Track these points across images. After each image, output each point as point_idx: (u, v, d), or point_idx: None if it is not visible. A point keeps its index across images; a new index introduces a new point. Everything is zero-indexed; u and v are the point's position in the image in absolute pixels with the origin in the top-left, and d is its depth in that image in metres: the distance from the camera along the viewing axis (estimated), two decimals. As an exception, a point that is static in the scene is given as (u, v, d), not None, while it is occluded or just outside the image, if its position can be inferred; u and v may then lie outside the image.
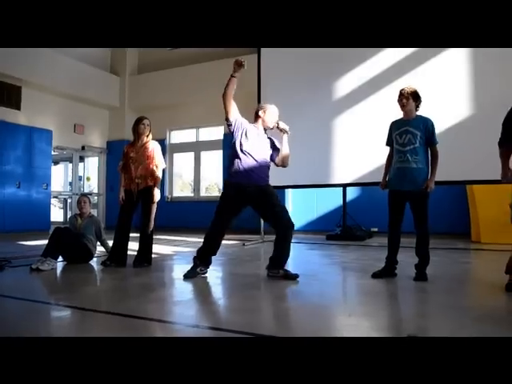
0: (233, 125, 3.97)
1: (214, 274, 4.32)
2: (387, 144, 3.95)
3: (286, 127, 3.99)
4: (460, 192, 6.95)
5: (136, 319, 2.58)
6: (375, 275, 3.81)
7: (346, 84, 6.66)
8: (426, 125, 3.69)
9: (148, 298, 3.24)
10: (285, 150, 4.01)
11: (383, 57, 6.36)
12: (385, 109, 6.37)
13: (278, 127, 4.01)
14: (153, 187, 4.54)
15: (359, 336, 2.20)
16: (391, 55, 6.29)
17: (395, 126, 3.84)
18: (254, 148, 3.92)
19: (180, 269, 4.69)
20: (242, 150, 3.92)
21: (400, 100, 3.73)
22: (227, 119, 4.02)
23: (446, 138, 5.40)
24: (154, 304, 3.05)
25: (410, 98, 3.71)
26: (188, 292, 3.56)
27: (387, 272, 3.82)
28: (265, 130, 4.07)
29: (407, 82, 6.06)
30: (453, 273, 4.08)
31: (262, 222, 7.29)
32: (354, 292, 3.76)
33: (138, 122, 4.64)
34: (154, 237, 4.71)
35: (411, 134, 3.68)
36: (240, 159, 3.91)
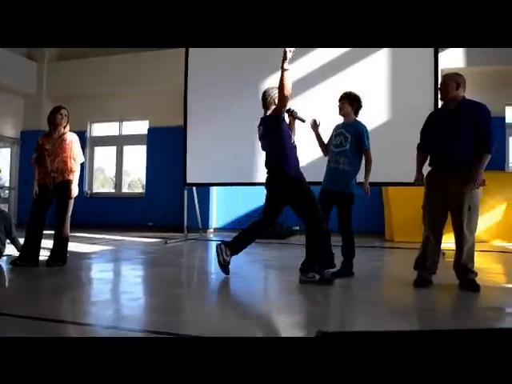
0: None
1: (134, 273, 4.20)
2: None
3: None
4: (376, 193, 7.31)
5: (49, 322, 2.44)
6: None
7: (271, 83, 6.74)
8: (357, 129, 3.80)
9: (62, 299, 3.09)
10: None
11: (308, 58, 6.52)
12: (307, 109, 6.55)
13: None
14: (70, 182, 4.31)
15: (275, 336, 2.24)
16: (317, 57, 6.46)
17: (335, 128, 3.99)
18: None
19: (97, 268, 4.52)
20: (293, 145, 3.75)
21: (339, 103, 3.91)
22: (282, 112, 3.68)
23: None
24: (68, 305, 2.91)
25: (345, 102, 3.86)
26: (105, 292, 3.43)
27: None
28: None
29: (331, 84, 6.33)
30: (368, 270, 4.27)
31: (186, 218, 7.23)
32: (274, 289, 3.83)
33: (55, 111, 4.37)
34: (70, 234, 4.49)
35: (343, 137, 3.81)
36: (293, 153, 3.70)
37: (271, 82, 6.72)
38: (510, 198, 6.44)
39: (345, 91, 3.93)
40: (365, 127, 3.87)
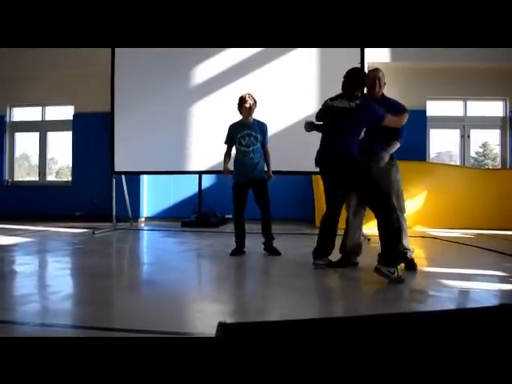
0: None
1: (58, 266, 4.00)
2: (226, 143, 4.48)
3: None
4: (306, 182, 7.47)
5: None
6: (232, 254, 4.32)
7: (202, 73, 6.65)
8: (262, 129, 4.37)
9: (-25, 295, 2.88)
10: None
11: (238, 50, 6.49)
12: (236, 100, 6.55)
13: None
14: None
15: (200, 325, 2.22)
16: (247, 49, 6.44)
17: (237, 130, 4.36)
18: None
19: (18, 261, 4.27)
20: None
21: (249, 106, 4.26)
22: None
23: (292, 132, 5.83)
24: (-18, 301, 2.72)
25: (254, 105, 4.32)
26: (26, 286, 3.24)
27: (239, 251, 4.37)
28: None
29: (260, 75, 6.36)
30: (295, 256, 4.37)
31: (115, 208, 7.00)
32: (205, 278, 3.82)
33: None
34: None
35: (253, 137, 4.30)
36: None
37: (203, 67, 6.70)
38: (429, 187, 6.84)
39: (247, 95, 4.32)
40: (267, 126, 4.46)
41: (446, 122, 8.40)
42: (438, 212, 6.77)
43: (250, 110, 4.29)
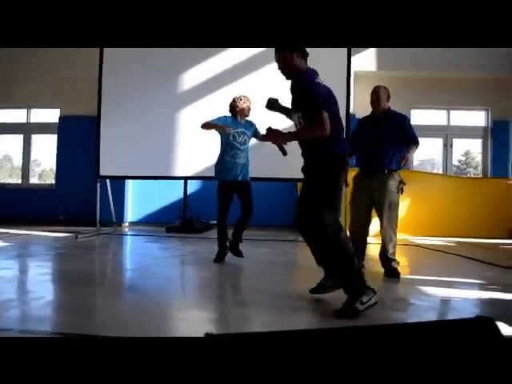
0: None
1: (39, 271, 3.95)
2: (213, 122, 4.30)
3: None
4: (292, 189, 7.50)
5: None
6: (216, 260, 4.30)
7: (190, 79, 6.67)
8: (252, 126, 4.37)
9: (-47, 301, 2.82)
10: None
11: (227, 55, 6.52)
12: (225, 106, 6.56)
13: None
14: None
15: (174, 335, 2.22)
16: (236, 55, 6.47)
17: (234, 124, 4.28)
18: None
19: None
20: None
21: (249, 106, 4.30)
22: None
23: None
24: (-40, 307, 2.67)
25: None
26: (5, 292, 3.19)
27: (222, 257, 4.33)
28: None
29: (249, 81, 6.38)
30: (280, 261, 4.39)
31: (99, 212, 6.94)
32: (188, 285, 3.81)
33: None
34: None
35: (247, 137, 4.33)
36: None
37: (191, 73, 6.70)
38: (412, 195, 6.90)
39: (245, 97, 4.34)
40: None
41: (429, 131, 8.52)
42: (420, 220, 6.85)
43: (249, 110, 4.32)
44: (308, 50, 2.75)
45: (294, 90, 2.77)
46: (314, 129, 2.58)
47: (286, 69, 2.75)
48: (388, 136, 3.67)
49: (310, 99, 2.58)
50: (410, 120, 3.78)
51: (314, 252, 2.82)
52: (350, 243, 2.67)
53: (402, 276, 3.67)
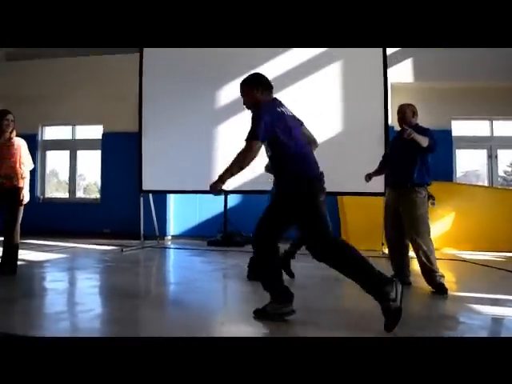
0: None
1: (89, 283, 4.09)
2: None
3: None
4: (332, 202, 7.45)
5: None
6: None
7: (230, 92, 6.76)
8: None
9: (11, 312, 2.97)
10: None
11: (264, 68, 6.59)
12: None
13: None
14: (19, 188, 4.16)
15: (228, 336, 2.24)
16: (277, 66, 6.54)
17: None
18: None
19: (49, 278, 4.38)
20: None
21: None
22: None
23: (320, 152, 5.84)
24: (18, 318, 2.81)
25: None
26: (58, 304, 3.33)
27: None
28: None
29: (288, 93, 6.42)
30: (319, 276, 4.35)
31: (142, 226, 7.11)
32: (232, 299, 3.84)
33: (1, 117, 4.17)
34: (22, 241, 4.33)
35: None
36: None
37: (229, 86, 6.80)
38: (457, 208, 6.74)
39: None
40: None
41: (472, 143, 8.30)
42: (466, 234, 6.64)
43: None
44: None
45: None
46: (239, 156, 2.72)
47: (247, 100, 2.98)
48: (411, 151, 3.70)
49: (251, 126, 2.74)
50: (431, 131, 3.79)
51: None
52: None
53: (450, 292, 3.57)
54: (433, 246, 3.72)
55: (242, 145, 2.77)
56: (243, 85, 3.01)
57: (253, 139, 2.71)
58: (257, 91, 2.91)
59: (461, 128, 8.18)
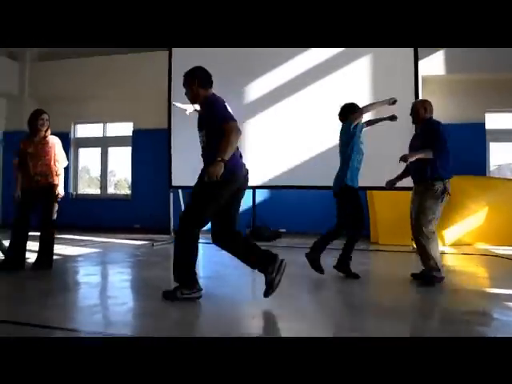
0: None
1: (121, 277, 4.19)
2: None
3: None
4: (362, 197, 7.37)
5: (35, 328, 2.44)
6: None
7: (259, 86, 6.79)
8: None
9: (47, 304, 3.07)
10: None
11: (294, 63, 6.58)
12: (298, 113, 6.61)
13: None
14: (54, 185, 4.29)
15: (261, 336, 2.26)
16: (307, 59, 6.53)
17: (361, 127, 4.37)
18: None
19: (84, 272, 4.50)
20: None
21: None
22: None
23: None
24: (53, 311, 2.90)
25: None
26: (92, 297, 3.42)
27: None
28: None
29: (320, 86, 6.42)
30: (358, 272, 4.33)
31: (172, 221, 7.21)
32: (261, 294, 3.85)
33: (36, 116, 4.30)
34: (57, 236, 4.47)
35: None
36: None
37: (256, 84, 6.83)
38: (491, 202, 6.56)
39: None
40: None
41: (506, 135, 8.06)
42: (499, 229, 6.46)
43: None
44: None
45: (203, 111, 3.32)
46: (231, 138, 2.99)
47: (190, 93, 3.46)
48: (421, 147, 3.74)
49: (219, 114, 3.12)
50: (438, 124, 3.79)
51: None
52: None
53: (482, 289, 3.49)
54: (430, 240, 3.71)
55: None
56: (186, 77, 3.56)
57: (231, 120, 3.06)
58: (198, 85, 3.43)
59: (495, 120, 7.95)
